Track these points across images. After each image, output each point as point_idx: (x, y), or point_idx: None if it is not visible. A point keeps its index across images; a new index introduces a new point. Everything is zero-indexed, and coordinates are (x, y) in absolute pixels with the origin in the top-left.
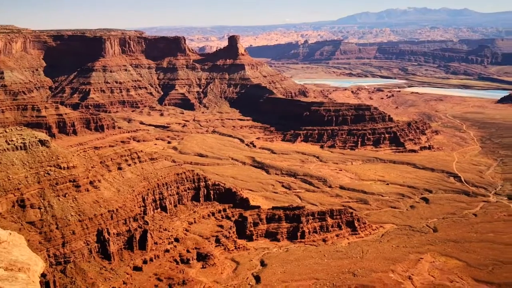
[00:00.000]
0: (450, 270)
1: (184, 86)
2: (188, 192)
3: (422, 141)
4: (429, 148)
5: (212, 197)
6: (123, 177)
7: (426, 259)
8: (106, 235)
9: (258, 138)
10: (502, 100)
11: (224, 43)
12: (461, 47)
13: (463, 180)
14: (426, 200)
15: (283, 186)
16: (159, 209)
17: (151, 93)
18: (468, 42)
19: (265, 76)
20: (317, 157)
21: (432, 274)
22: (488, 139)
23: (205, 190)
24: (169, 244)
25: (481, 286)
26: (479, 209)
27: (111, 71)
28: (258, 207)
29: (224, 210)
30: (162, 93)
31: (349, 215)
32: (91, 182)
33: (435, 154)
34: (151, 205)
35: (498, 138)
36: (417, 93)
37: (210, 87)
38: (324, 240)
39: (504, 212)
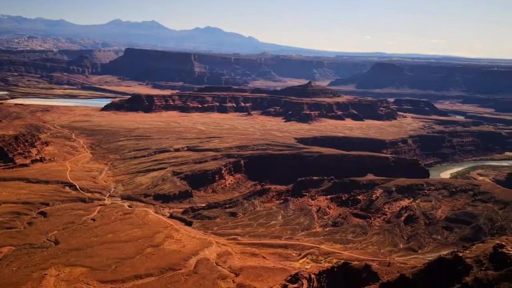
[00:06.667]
0: (76, 278)
1: None
2: None
3: (33, 154)
4: (41, 160)
5: None
6: None
7: (51, 273)
8: None
9: None
10: (106, 108)
11: None
12: (61, 57)
13: (78, 188)
14: (44, 214)
15: None
16: None
17: None
18: (68, 53)
19: None
20: None
21: None
22: (97, 146)
23: None
24: None
25: (106, 286)
26: (97, 213)
27: None
28: None
29: None
30: None
31: None
32: None
33: (48, 166)
34: None
35: (106, 143)
36: (21, 104)
37: None
38: None
39: (119, 212)
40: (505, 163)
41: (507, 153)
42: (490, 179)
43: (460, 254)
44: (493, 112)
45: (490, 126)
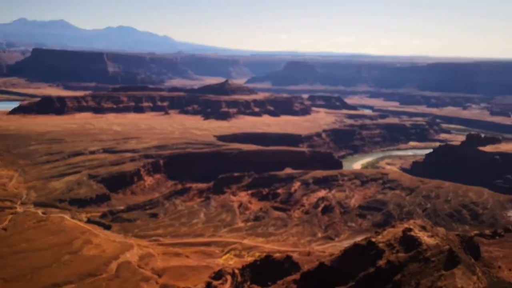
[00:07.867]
0: None
1: None
2: None
3: None
4: None
5: None
6: None
7: None
8: None
9: None
10: (14, 111)
11: None
12: None
13: None
14: None
15: None
16: None
17: None
18: None
19: None
20: None
21: None
22: (6, 151)
23: None
24: None
25: None
26: (8, 222)
27: None
28: None
29: None
30: None
31: None
32: None
33: None
34: None
35: (15, 148)
36: None
37: None
38: None
39: (33, 220)
40: (410, 152)
41: (411, 143)
42: (397, 168)
43: (373, 240)
44: (397, 105)
45: (395, 119)
